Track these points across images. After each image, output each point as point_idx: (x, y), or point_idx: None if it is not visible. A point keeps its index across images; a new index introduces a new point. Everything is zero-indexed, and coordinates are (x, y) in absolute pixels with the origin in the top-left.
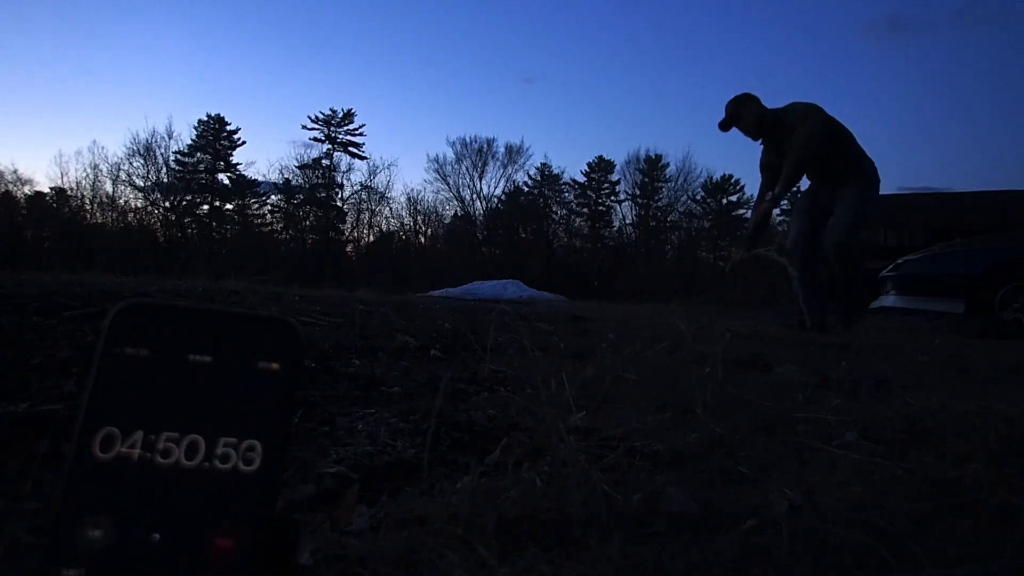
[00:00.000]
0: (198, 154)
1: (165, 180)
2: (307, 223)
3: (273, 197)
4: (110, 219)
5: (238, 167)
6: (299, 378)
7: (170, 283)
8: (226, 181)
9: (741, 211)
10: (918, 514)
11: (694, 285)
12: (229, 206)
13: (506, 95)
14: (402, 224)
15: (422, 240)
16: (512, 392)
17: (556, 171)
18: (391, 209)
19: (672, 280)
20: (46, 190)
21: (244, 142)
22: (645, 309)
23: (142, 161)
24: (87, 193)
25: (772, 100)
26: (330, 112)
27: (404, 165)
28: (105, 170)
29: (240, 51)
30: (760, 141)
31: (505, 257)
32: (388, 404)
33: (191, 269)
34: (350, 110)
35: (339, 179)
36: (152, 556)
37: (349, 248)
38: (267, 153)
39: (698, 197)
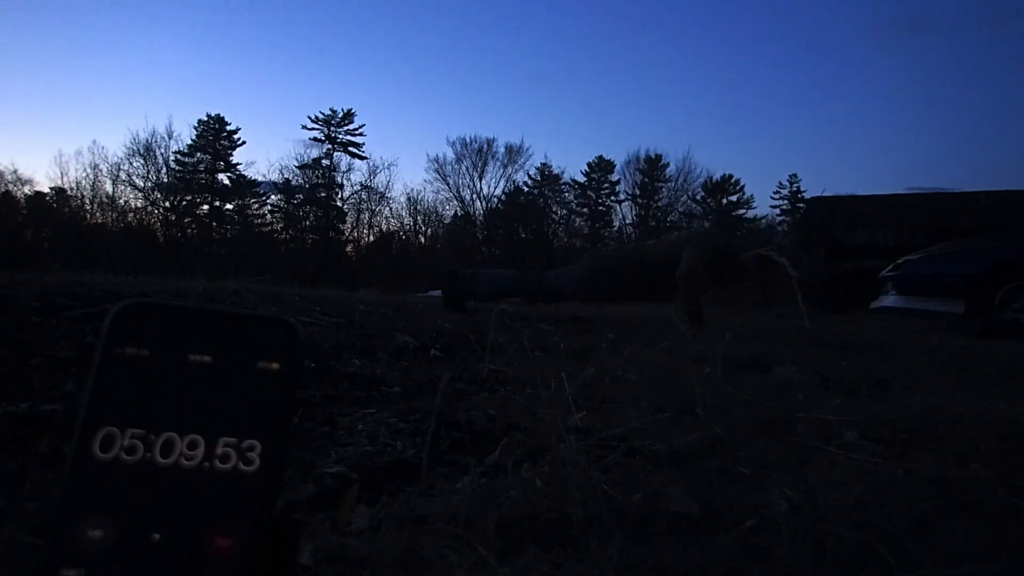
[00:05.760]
0: (198, 154)
1: (165, 180)
2: (307, 223)
3: (273, 197)
4: (110, 219)
5: (238, 167)
6: (299, 378)
7: (170, 283)
8: (226, 181)
9: (741, 211)
10: (918, 514)
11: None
12: (229, 206)
13: (505, 95)
14: (402, 224)
15: (422, 240)
16: (512, 392)
17: (556, 171)
18: (391, 209)
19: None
20: (46, 190)
21: (244, 142)
22: (645, 309)
23: (142, 161)
24: (87, 193)
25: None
26: (330, 112)
27: (404, 165)
28: (105, 170)
29: (240, 51)
30: None
31: (505, 257)
32: (388, 404)
33: (191, 269)
34: (350, 110)
35: (339, 179)
36: (152, 556)
37: (349, 248)
38: (267, 153)
39: (698, 197)
